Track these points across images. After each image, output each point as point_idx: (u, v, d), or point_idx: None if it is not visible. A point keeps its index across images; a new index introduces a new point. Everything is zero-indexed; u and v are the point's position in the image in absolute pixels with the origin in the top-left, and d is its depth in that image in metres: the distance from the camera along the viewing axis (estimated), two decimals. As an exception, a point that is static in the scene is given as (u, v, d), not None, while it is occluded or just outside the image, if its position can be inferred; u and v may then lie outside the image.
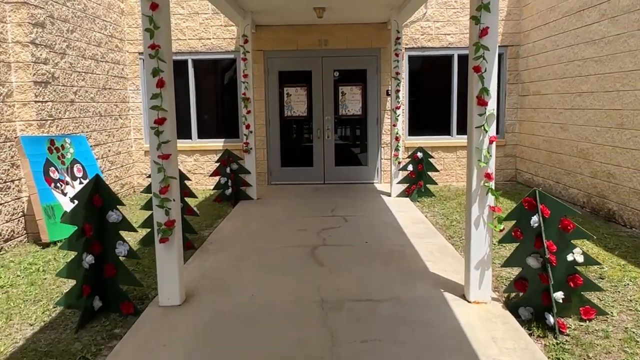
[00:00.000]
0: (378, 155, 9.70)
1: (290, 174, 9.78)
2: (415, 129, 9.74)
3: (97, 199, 3.91)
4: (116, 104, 8.94)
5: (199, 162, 9.69)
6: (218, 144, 9.65)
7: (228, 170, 8.21)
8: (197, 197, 6.00)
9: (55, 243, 5.89)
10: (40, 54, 6.31)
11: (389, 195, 8.47)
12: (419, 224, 6.56)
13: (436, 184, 8.34)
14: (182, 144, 9.68)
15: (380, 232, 6.15)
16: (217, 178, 9.12)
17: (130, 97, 9.59)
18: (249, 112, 8.27)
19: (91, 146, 7.99)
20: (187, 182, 9.58)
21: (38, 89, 6.24)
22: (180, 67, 9.60)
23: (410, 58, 9.55)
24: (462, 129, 9.67)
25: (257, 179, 9.73)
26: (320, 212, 7.37)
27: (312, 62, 9.50)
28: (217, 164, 8.68)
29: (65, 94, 7.23)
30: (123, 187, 9.13)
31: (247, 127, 8.29)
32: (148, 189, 5.41)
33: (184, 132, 9.77)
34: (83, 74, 7.77)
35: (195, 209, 5.69)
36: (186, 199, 6.03)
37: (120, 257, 3.97)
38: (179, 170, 5.32)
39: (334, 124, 9.64)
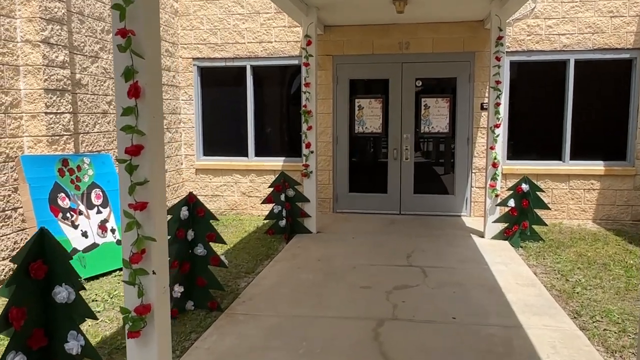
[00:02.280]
0: (468, 182, 7.92)
1: (359, 201, 8.23)
2: (516, 151, 7.87)
3: (38, 267, 2.58)
4: (163, 116, 7.84)
5: (254, 183, 8.40)
6: (277, 163, 8.31)
7: (283, 197, 6.81)
8: (225, 244, 4.61)
9: (55, 289, 4.71)
10: (56, 56, 5.24)
11: (482, 236, 6.68)
12: (527, 287, 4.77)
13: (545, 225, 6.45)
14: (236, 161, 8.44)
15: (474, 300, 4.44)
16: (270, 206, 7.75)
17: (183, 107, 8.50)
18: (309, 128, 6.83)
19: (127, 164, 6.89)
20: (239, 205, 8.31)
21: (51, 97, 5.16)
22: (238, 75, 8.39)
23: (512, 64, 7.72)
24: (579, 153, 7.67)
25: (321, 205, 8.27)
26: (392, 257, 5.75)
27: (390, 69, 7.94)
28: (271, 189, 7.34)
29: (95, 103, 6.16)
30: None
31: (308, 146, 6.86)
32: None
33: (239, 148, 8.53)
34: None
35: (223, 258, 4.32)
36: (214, 244, 4.66)
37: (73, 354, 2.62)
38: (204, 207, 3.97)
39: (414, 143, 8.00)
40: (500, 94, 6.35)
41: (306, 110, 6.79)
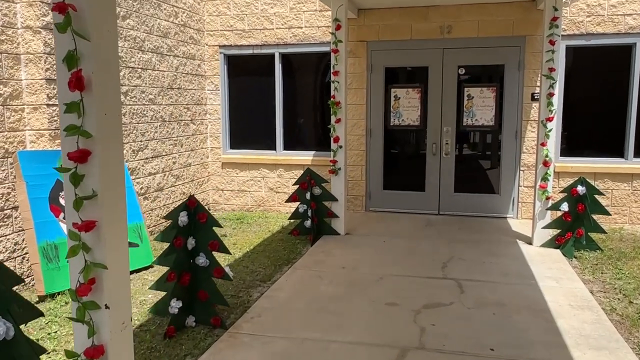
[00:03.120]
0: (515, 180, 7.16)
1: (394, 199, 7.61)
2: (571, 147, 7.04)
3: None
4: (187, 107, 7.45)
5: (282, 178, 7.91)
6: (307, 157, 7.77)
7: (308, 195, 6.28)
8: (230, 254, 4.12)
9: (53, 296, 4.37)
10: (60, 43, 4.85)
11: (529, 242, 5.95)
12: (582, 310, 4.06)
13: (604, 232, 5.66)
14: (264, 155, 7.96)
15: (518, 326, 3.79)
16: (295, 204, 7.21)
17: (208, 98, 8.08)
18: (338, 120, 6.26)
19: (149, 158, 6.53)
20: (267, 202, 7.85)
21: (54, 88, 4.80)
22: (266, 63, 7.88)
23: (568, 49, 6.87)
24: (644, 150, 6.78)
25: (352, 203, 7.70)
26: (425, 266, 5.14)
27: (430, 55, 7.24)
28: (296, 187, 6.81)
29: (109, 94, 5.78)
30: (192, 205, 7.60)
31: (336, 140, 6.29)
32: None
33: (267, 141, 8.04)
34: (139, 70, 6.32)
35: (228, 270, 3.84)
36: (217, 254, 4.18)
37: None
38: (206, 212, 3.50)
39: (455, 137, 7.29)
40: (553, 83, 5.58)
41: (334, 102, 6.21)
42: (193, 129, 7.67)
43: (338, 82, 6.19)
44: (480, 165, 7.32)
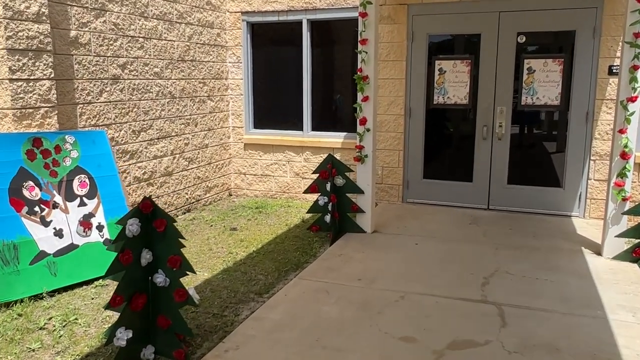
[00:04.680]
0: (584, 172, 5.93)
1: (436, 189, 6.56)
2: (657, 132, 5.71)
3: None
4: (203, 82, 6.66)
5: (310, 162, 7.02)
6: (337, 139, 6.84)
7: (329, 186, 5.37)
8: (195, 273, 3.29)
9: (9, 305, 3.74)
10: (26, 6, 4.12)
11: (598, 253, 4.80)
12: (670, 364, 2.98)
13: (700, 245, 4.43)
14: (290, 136, 7.09)
15: (575, 385, 2.77)
16: (315, 196, 6.26)
17: (230, 71, 7.26)
18: (366, 99, 5.27)
19: (155, 139, 5.82)
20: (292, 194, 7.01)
21: (19, 60, 4.09)
22: (293, 32, 6.94)
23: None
24: None
25: (387, 193, 6.72)
26: (460, 282, 4.14)
27: (483, 20, 6.05)
28: (316, 176, 5.88)
29: (101, 67, 5.07)
30: (209, 191, 6.90)
31: (363, 122, 5.31)
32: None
33: (291, 121, 7.16)
34: (141, 39, 5.57)
35: (193, 292, 3.04)
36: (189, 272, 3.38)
37: None
38: (166, 218, 2.71)
39: (510, 118, 6.12)
40: (639, 54, 4.34)
41: (361, 76, 5.21)
42: (211, 106, 6.89)
43: (366, 53, 5.18)
44: (541, 152, 6.13)
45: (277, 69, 7.16)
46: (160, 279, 2.96)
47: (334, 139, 6.86)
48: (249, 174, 7.40)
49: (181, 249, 2.98)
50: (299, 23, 6.86)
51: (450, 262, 4.60)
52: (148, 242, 2.95)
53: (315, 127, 7.08)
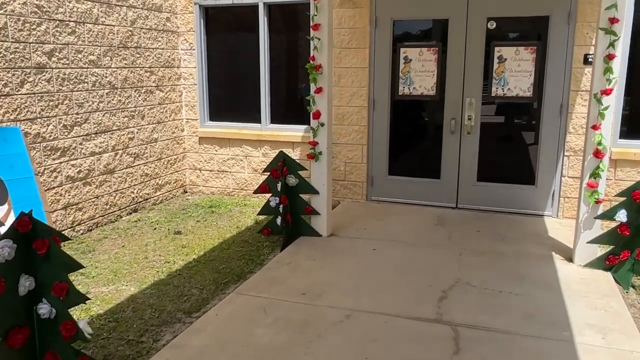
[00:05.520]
0: (557, 169, 5.53)
1: (402, 187, 6.12)
2: (634, 126, 5.32)
3: None
4: (151, 71, 6.12)
5: (268, 157, 6.54)
6: (298, 133, 6.36)
7: (280, 186, 4.90)
8: (84, 302, 2.82)
9: None
10: None
11: (570, 259, 4.40)
12: (642, 401, 2.58)
13: (679, 252, 4.04)
14: (248, 129, 6.60)
15: None
16: (266, 197, 5.73)
17: (182, 59, 6.72)
18: (319, 90, 4.79)
19: (92, 134, 5.30)
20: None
21: None
22: (249, 17, 6.42)
23: (640, -6, 5.09)
24: None
25: (350, 191, 6.27)
26: (416, 297, 3.72)
27: (451, 4, 5.58)
28: (267, 175, 5.38)
29: (22, 55, 4.53)
30: (160, 188, 6.40)
31: (316, 116, 4.84)
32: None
33: (249, 113, 6.66)
34: (72, 24, 5.01)
35: (83, 325, 2.56)
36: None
37: None
38: (50, 237, 2.23)
39: (480, 111, 5.69)
40: (615, 41, 3.91)
41: (313, 65, 4.73)
42: (160, 97, 6.36)
43: (319, 40, 4.69)
44: (513, 147, 5.71)
45: (235, 56, 6.64)
46: (44, 309, 2.48)
47: (294, 132, 6.38)
48: (204, 169, 6.90)
49: (69, 273, 2.50)
50: (255, 7, 6.33)
51: (408, 271, 4.17)
52: (28, 266, 2.47)
53: (275, 119, 6.60)
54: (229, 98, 6.75)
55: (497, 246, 4.73)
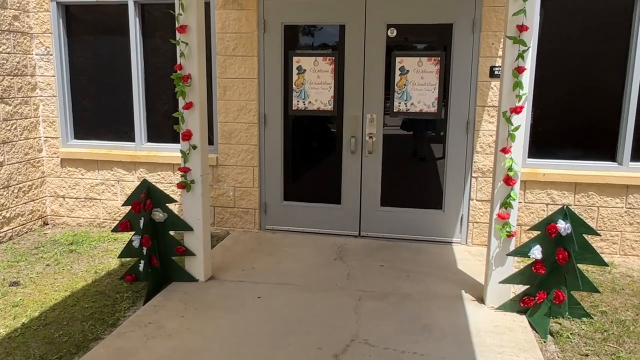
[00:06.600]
0: (464, 191, 5.04)
1: (299, 213, 5.40)
2: (542, 144, 4.94)
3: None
4: (-12, 79, 4.99)
5: (145, 183, 5.56)
6: (178, 153, 5.45)
7: (142, 222, 3.99)
8: None
9: None
10: None
11: (481, 300, 3.85)
12: None
13: (597, 291, 3.57)
14: (119, 149, 5.61)
15: None
16: (129, 235, 4.68)
17: (37, 66, 5.61)
18: (189, 105, 3.94)
19: None
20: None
21: None
22: (118, 16, 5.45)
23: (548, 4, 4.71)
24: (647, 152, 4.76)
25: (241, 219, 5.46)
26: (307, 356, 2.97)
27: (347, 8, 4.96)
28: (128, 209, 4.41)
29: None
30: (8, 222, 5.24)
31: (187, 136, 3.98)
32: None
33: (122, 130, 5.68)
34: None
35: None
36: None
37: None
38: None
39: (382, 128, 5.10)
40: (525, 52, 3.40)
41: (180, 75, 3.88)
42: (7, 112, 5.22)
43: (187, 44, 3.86)
44: (419, 169, 5.17)
45: (104, 63, 5.62)
46: None
47: (176, 152, 5.48)
48: (69, 197, 5.80)
49: None
50: (124, 6, 5.38)
51: (295, 329, 3.41)
52: None
53: (153, 137, 5.66)
54: (98, 112, 5.72)
55: (402, 285, 4.11)
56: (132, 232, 4.13)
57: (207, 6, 5.13)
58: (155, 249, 4.04)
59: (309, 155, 5.34)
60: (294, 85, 5.18)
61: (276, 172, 5.36)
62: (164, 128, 5.60)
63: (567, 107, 4.83)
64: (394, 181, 5.17)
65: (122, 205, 4.14)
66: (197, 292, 3.96)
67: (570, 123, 4.84)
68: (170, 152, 5.50)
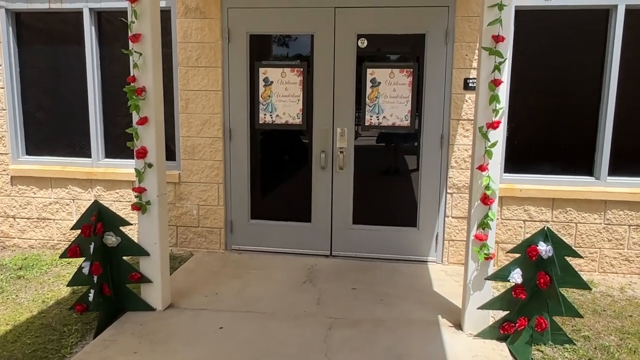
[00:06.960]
0: (440, 207, 4.83)
1: (268, 232, 5.12)
2: (519, 159, 4.78)
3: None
4: None
5: (103, 200, 5.22)
6: (139, 169, 5.10)
7: (92, 247, 3.65)
8: None
9: None
10: None
11: (458, 326, 3.62)
12: None
13: (580, 316, 3.38)
14: (74, 165, 5.25)
15: None
16: (77, 262, 4.30)
17: (-16, 77, 5.23)
18: (144, 120, 3.64)
19: None
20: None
21: None
22: (73, 25, 5.12)
23: (521, 15, 4.57)
24: (623, 166, 4.63)
25: (206, 239, 5.15)
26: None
27: (316, 18, 4.73)
28: (78, 232, 4.07)
29: None
30: (-52, 247, 4.81)
31: (142, 154, 3.68)
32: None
33: (77, 145, 5.33)
34: None
35: None
36: None
37: None
38: None
39: (353, 143, 4.87)
40: (501, 63, 3.21)
41: (134, 88, 3.58)
42: (-52, 127, 4.83)
43: (140, 55, 3.57)
44: (392, 184, 4.94)
45: (58, 74, 5.27)
46: None
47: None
48: (19, 217, 5.41)
49: None
50: (79, 13, 5.06)
51: (259, 352, 3.13)
52: None
53: (111, 153, 5.32)
54: (51, 126, 5.36)
55: (375, 310, 3.86)
56: (83, 258, 3.79)
57: (167, 14, 4.85)
58: (107, 276, 3.71)
59: (278, 171, 5.08)
60: (260, 98, 4.92)
61: (243, 189, 5.08)
62: (123, 142, 5.26)
63: (544, 120, 4.68)
64: (367, 198, 4.94)
65: (71, 228, 3.80)
66: (154, 323, 3.64)
67: (547, 137, 4.70)
68: (129, 168, 5.16)
